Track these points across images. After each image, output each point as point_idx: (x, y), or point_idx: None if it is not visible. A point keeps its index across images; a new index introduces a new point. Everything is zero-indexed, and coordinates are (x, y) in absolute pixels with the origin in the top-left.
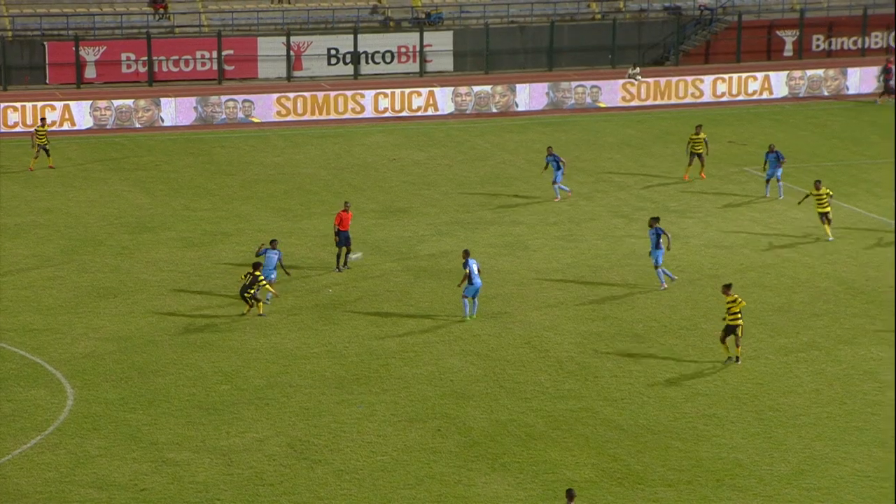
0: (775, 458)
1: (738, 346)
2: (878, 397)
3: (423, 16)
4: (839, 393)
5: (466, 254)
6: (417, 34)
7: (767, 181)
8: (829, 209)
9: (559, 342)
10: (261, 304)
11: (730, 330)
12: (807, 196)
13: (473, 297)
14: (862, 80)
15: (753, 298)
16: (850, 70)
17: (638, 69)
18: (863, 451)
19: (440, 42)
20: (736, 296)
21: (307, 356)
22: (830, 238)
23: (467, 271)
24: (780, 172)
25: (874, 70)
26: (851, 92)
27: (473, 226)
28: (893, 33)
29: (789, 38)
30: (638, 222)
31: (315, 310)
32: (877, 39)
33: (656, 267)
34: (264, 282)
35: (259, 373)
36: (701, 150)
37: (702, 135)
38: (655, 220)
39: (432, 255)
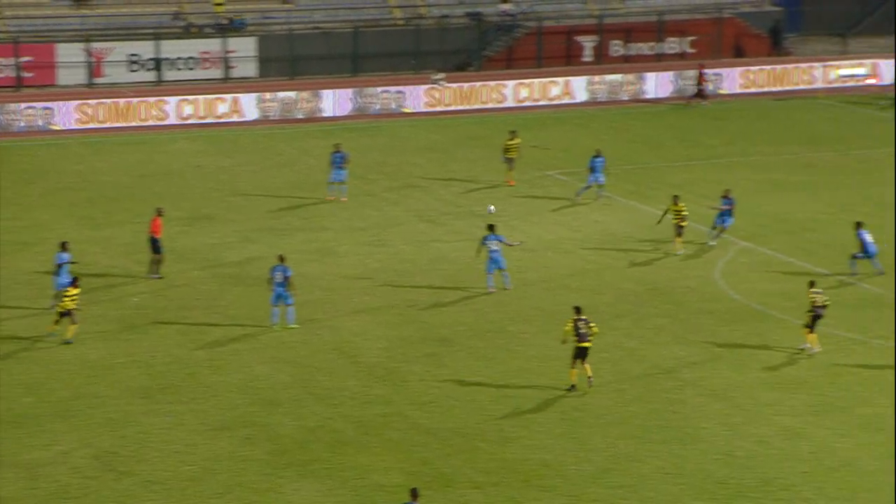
0: (580, 458)
1: (585, 364)
2: (679, 395)
3: (226, 21)
4: (642, 392)
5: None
6: (220, 40)
7: (588, 186)
8: (686, 223)
9: (368, 348)
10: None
11: (580, 353)
12: (666, 213)
13: (281, 305)
14: (658, 84)
15: (558, 300)
16: (647, 75)
17: (442, 75)
18: (664, 449)
19: (244, 48)
20: (592, 323)
21: (113, 366)
22: (680, 252)
23: (270, 276)
24: (602, 178)
25: (669, 75)
26: (649, 96)
27: (281, 232)
28: (688, 39)
29: (589, 43)
30: (444, 226)
31: (120, 319)
32: (672, 45)
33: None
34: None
35: (64, 384)
36: (513, 156)
37: (516, 140)
38: (491, 227)
39: (239, 263)
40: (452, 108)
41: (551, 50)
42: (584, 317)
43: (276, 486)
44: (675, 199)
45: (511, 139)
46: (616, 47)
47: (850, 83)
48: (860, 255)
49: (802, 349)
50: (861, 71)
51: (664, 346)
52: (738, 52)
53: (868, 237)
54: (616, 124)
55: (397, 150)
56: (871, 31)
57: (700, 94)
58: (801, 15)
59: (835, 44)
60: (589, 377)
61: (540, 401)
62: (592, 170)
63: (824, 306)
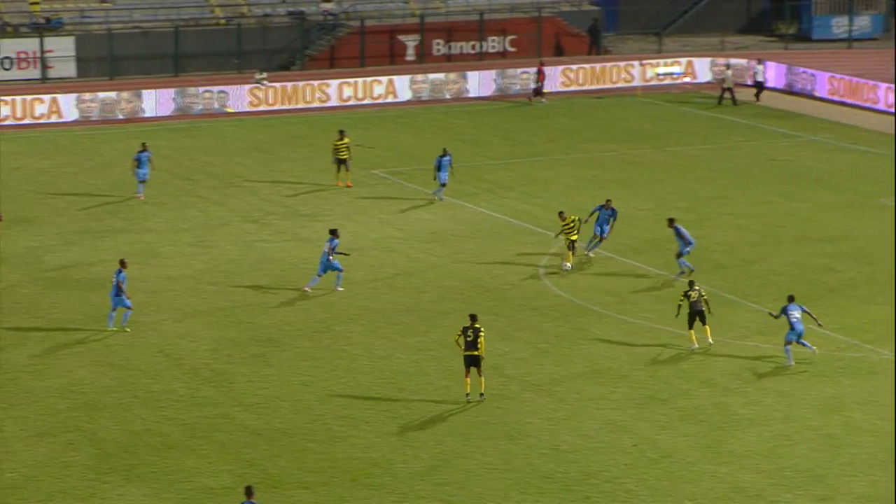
0: (408, 456)
1: (480, 376)
2: (505, 391)
3: (43, 21)
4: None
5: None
6: (37, 40)
7: (443, 185)
8: (576, 237)
9: (193, 349)
10: None
11: (471, 361)
12: (559, 233)
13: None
14: (481, 83)
15: (384, 300)
16: (469, 74)
17: (265, 74)
18: (491, 445)
19: (62, 48)
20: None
21: None
22: (569, 266)
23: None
24: (445, 176)
25: (492, 73)
26: (471, 95)
27: (102, 234)
28: (508, 38)
29: (411, 42)
30: (269, 227)
31: None
32: (493, 44)
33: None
34: None
35: None
36: (346, 156)
37: (346, 140)
38: (333, 231)
39: (60, 266)
40: (276, 107)
41: (374, 49)
42: (476, 325)
43: (99, 491)
44: (561, 214)
45: (339, 139)
46: (438, 46)
47: (667, 81)
48: (686, 250)
49: (693, 350)
50: (677, 69)
51: (489, 342)
52: (559, 51)
53: (685, 231)
54: (439, 123)
55: (221, 151)
56: (686, 30)
57: (539, 92)
58: (618, 14)
59: (651, 43)
60: (480, 393)
61: (368, 399)
62: (439, 168)
63: (700, 300)
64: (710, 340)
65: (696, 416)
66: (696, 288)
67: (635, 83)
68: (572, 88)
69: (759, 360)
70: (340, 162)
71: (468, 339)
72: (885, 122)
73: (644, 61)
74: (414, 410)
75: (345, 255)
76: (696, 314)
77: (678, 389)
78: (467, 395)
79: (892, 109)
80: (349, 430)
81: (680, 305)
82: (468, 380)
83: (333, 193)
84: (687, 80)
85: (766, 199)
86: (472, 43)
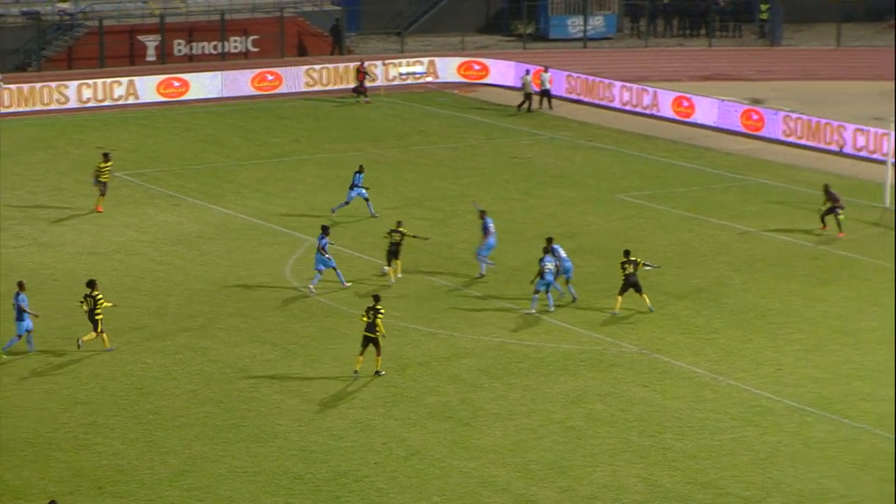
0: (155, 461)
1: (377, 356)
2: (254, 393)
3: None
4: (216, 392)
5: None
6: None
7: (347, 203)
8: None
9: None
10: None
11: (368, 341)
12: (411, 236)
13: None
14: (224, 83)
15: (130, 303)
16: (209, 74)
17: (1, 76)
18: (240, 448)
19: None
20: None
21: None
22: (393, 280)
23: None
24: (364, 193)
25: (232, 74)
26: (214, 96)
27: None
28: (251, 38)
29: (151, 42)
30: (8, 231)
31: None
32: (236, 44)
33: None
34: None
35: None
36: (107, 179)
37: (110, 163)
38: (324, 228)
39: None
40: (13, 109)
41: (114, 49)
42: (378, 307)
43: None
44: (399, 224)
45: (105, 161)
46: (180, 46)
47: (410, 81)
48: (485, 251)
49: (615, 315)
50: (419, 69)
51: (238, 345)
52: (302, 51)
53: (491, 225)
54: (183, 124)
55: None
56: (427, 29)
57: (360, 90)
58: (360, 14)
59: (393, 42)
60: (376, 371)
61: (114, 406)
62: (353, 186)
63: (634, 274)
64: (651, 307)
65: (443, 413)
66: (633, 259)
67: (378, 83)
68: (316, 88)
69: (505, 355)
70: (103, 184)
71: (368, 319)
72: (620, 119)
73: (387, 61)
74: (161, 415)
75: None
76: (631, 285)
77: (426, 387)
78: (356, 372)
79: (627, 107)
80: (95, 437)
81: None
82: (360, 358)
83: (73, 196)
84: (430, 79)
85: (509, 197)
86: (213, 43)
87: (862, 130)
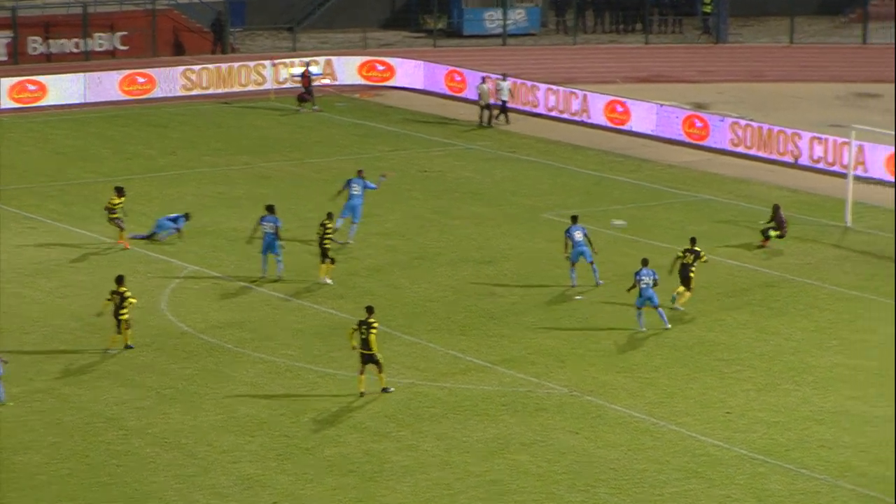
0: None
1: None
2: (125, 446)
3: None
4: (80, 445)
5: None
6: None
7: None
8: (329, 246)
9: None
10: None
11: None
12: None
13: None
14: (87, 86)
15: None
16: (70, 76)
17: None
18: None
19: None
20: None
21: None
22: (328, 281)
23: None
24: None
25: (100, 76)
26: (76, 101)
27: None
28: (118, 34)
29: (2, 39)
30: None
31: None
32: (101, 41)
33: None
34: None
35: None
36: (119, 216)
37: (123, 199)
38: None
39: None
40: None
41: None
42: (371, 320)
43: None
44: (324, 221)
45: (118, 197)
46: (35, 44)
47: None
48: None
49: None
50: (315, 70)
51: (105, 389)
52: (178, 49)
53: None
54: (39, 134)
55: None
56: (323, 24)
57: (305, 97)
58: (246, 7)
59: (284, 39)
60: (383, 388)
61: None
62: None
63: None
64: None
65: (344, 466)
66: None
67: (267, 85)
68: (195, 92)
69: (415, 399)
70: (115, 221)
71: (362, 335)
72: (545, 127)
73: (276, 60)
74: (17, 472)
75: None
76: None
77: (324, 437)
78: (362, 393)
79: (554, 113)
80: None
81: None
82: (362, 377)
83: None
84: (326, 81)
85: (419, 216)
86: (75, 40)
87: (819, 139)
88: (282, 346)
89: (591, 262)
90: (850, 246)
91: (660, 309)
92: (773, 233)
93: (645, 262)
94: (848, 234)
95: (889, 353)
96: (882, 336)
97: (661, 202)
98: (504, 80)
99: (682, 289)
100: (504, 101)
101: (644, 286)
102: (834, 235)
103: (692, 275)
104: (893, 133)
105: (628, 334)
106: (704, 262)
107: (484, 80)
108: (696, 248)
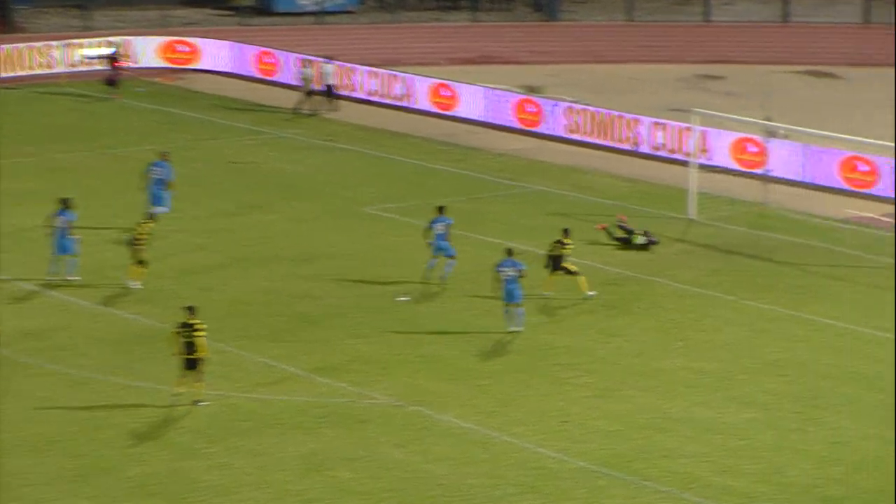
0: None
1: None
2: None
3: None
4: None
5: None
6: None
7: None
8: (143, 247)
9: None
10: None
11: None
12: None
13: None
14: None
15: None
16: None
17: None
18: None
19: None
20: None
21: None
22: (135, 285)
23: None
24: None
25: None
26: None
27: None
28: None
29: None
30: None
31: None
32: None
33: None
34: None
35: None
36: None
37: (150, 224)
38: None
39: None
40: None
41: None
42: (193, 321)
43: None
44: (142, 221)
45: (145, 223)
46: None
47: (98, 66)
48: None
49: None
50: (110, 50)
51: None
52: None
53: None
54: None
55: None
56: (118, 2)
57: (113, 80)
58: None
59: (76, 17)
60: (195, 400)
61: None
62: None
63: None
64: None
65: (149, 488)
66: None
67: (58, 69)
68: None
69: (226, 412)
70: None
71: (186, 339)
72: (365, 113)
73: (68, 41)
74: None
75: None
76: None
77: (127, 455)
78: (178, 395)
79: (375, 98)
80: None
81: None
82: (183, 379)
83: None
84: (129, 65)
85: (229, 212)
86: None
87: (660, 124)
88: (78, 355)
89: (453, 258)
90: (694, 240)
91: (520, 309)
92: (636, 237)
93: (509, 253)
94: (692, 227)
95: (735, 355)
96: (728, 336)
97: (491, 194)
98: (329, 63)
99: (553, 276)
100: (330, 86)
101: (506, 279)
102: (677, 228)
103: (569, 266)
104: (738, 118)
105: (458, 338)
106: (568, 255)
107: (305, 63)
108: (567, 241)
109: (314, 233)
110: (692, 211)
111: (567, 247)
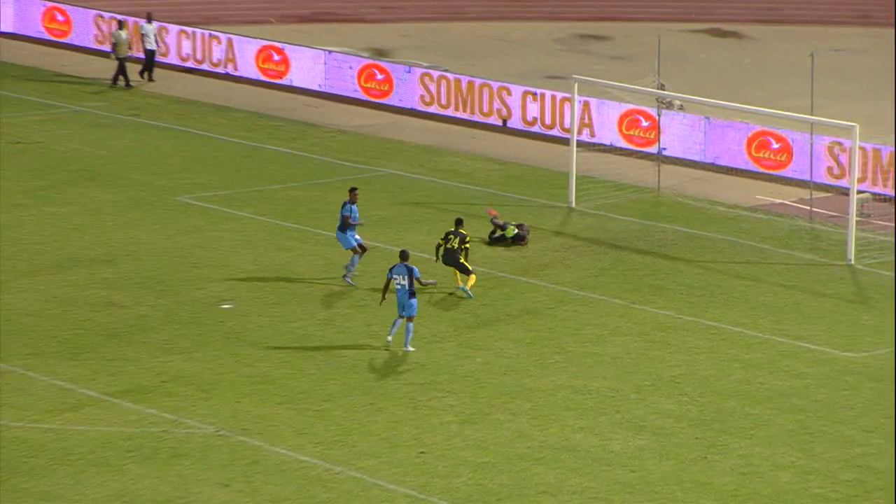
0: None
1: None
2: None
3: None
4: None
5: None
6: None
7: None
8: None
9: None
10: None
11: None
12: None
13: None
14: None
15: None
16: None
17: None
18: None
19: None
20: None
21: None
22: None
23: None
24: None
25: None
26: None
27: None
28: None
29: None
30: None
31: None
32: None
33: None
34: None
35: None
36: None
37: None
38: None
39: None
40: None
41: None
42: None
43: None
44: None
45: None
46: None
47: None
48: None
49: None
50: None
51: None
52: None
53: None
54: None
55: None
56: None
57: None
58: None
59: None
60: None
61: None
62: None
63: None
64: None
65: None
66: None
67: None
68: None
69: (9, 446)
70: None
71: None
72: (179, 81)
73: None
74: None
75: None
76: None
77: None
78: None
79: (189, 64)
80: None
81: None
82: None
83: None
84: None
85: (11, 203)
86: None
87: (534, 95)
88: None
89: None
90: (576, 232)
91: (410, 324)
92: (510, 230)
93: (403, 256)
94: (572, 217)
95: (624, 371)
96: (616, 348)
97: (332, 179)
98: (150, 22)
99: (459, 275)
100: (151, 52)
101: (398, 287)
102: (555, 219)
103: (463, 261)
104: (627, 86)
105: (293, 354)
106: (466, 247)
107: (121, 24)
108: (462, 231)
109: (118, 228)
110: (573, 198)
111: (457, 239)
